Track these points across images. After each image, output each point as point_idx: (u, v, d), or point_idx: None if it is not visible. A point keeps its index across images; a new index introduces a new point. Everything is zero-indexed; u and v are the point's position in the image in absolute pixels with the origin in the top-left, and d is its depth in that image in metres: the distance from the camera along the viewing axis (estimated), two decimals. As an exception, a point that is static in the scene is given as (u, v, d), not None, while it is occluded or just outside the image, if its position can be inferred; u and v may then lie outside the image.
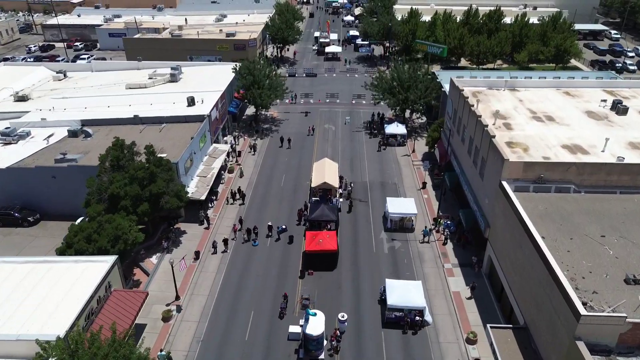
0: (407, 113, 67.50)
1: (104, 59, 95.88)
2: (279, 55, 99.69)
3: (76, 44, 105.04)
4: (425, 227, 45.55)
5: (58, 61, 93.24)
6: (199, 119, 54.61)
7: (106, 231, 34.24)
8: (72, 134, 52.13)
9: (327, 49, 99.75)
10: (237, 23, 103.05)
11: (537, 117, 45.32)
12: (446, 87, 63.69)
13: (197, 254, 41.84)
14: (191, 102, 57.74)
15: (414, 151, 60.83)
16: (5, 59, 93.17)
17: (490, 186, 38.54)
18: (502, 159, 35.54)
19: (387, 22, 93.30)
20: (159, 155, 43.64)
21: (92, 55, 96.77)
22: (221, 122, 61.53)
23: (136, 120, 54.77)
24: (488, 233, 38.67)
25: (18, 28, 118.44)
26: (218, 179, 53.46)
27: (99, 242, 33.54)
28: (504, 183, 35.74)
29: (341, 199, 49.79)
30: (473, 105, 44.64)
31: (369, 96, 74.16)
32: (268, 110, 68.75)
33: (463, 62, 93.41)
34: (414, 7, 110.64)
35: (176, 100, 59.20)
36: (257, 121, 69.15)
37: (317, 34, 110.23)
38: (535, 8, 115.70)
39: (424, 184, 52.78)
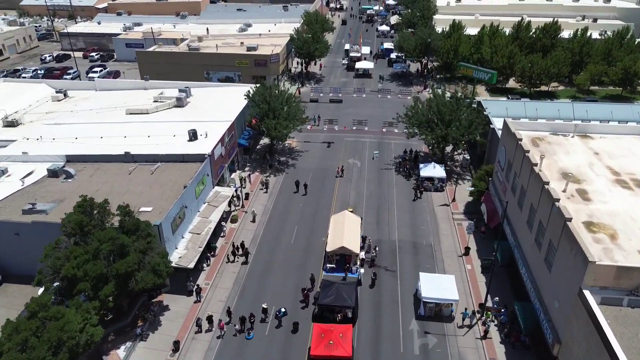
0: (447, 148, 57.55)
1: (118, 72, 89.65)
2: (304, 71, 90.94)
3: (92, 54, 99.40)
4: (466, 309, 35.87)
5: (69, 74, 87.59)
6: (198, 158, 46.40)
7: (48, 333, 26.19)
8: (52, 173, 44.85)
9: (358, 65, 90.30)
10: (260, 35, 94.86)
11: (622, 182, 34.73)
12: (495, 122, 53.38)
13: (176, 345, 33.37)
14: (193, 136, 49.62)
15: (454, 200, 50.79)
16: (12, 72, 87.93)
17: (563, 287, 28.42)
18: (585, 260, 25.49)
19: (426, 36, 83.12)
20: (137, 213, 35.60)
21: (105, 68, 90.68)
22: (228, 158, 53.19)
23: (127, 158, 47.04)
24: (557, 350, 28.56)
25: (37, 35, 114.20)
26: (218, 230, 45.15)
27: (35, 352, 25.48)
28: (586, 292, 25.68)
29: (362, 269, 40.43)
30: (536, 165, 34.51)
31: (402, 124, 64.64)
32: (285, 141, 60.04)
33: (512, 82, 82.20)
34: (456, 18, 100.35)
35: (178, 132, 51.18)
36: (272, 153, 60.52)
37: (347, 46, 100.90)
38: (595, 20, 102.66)
39: (467, 249, 42.78)
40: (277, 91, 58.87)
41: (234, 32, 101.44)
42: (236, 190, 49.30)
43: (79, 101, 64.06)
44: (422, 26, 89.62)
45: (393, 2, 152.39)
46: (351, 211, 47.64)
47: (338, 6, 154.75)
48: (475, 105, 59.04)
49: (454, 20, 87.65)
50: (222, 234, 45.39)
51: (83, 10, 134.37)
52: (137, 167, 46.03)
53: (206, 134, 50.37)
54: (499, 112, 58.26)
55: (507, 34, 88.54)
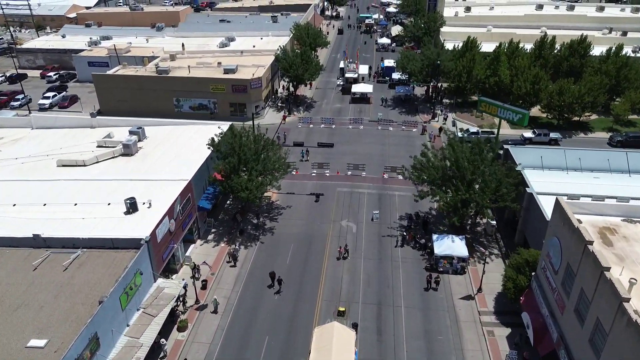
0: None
1: (76, 97, 77.10)
2: (292, 94, 78.42)
3: (50, 74, 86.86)
4: None
5: (17, 100, 75.07)
6: (133, 244, 33.96)
7: None
8: None
9: (355, 88, 77.73)
10: (242, 52, 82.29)
11: None
12: (532, 184, 40.92)
13: None
14: (131, 207, 37.16)
15: (480, 289, 38.30)
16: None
17: None
18: None
19: (435, 57, 70.58)
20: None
21: (62, 92, 78.20)
22: (182, 232, 40.65)
23: (37, 242, 34.63)
24: None
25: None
26: (157, 350, 32.64)
27: None
28: None
29: None
30: (626, 299, 22.02)
31: (408, 175, 52.43)
32: (258, 203, 47.41)
33: (535, 110, 69.73)
34: (466, 30, 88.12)
35: (114, 199, 38.74)
36: (245, 213, 48.00)
37: (342, 63, 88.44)
38: (625, 33, 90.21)
39: (506, 384, 30.33)
40: (250, 137, 46.29)
41: (214, 48, 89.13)
42: (185, 287, 36.63)
43: (6, 144, 51.62)
44: (429, 42, 77.19)
45: (394, 10, 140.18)
46: (342, 312, 35.37)
47: (334, 14, 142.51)
48: (500, 152, 46.68)
49: (468, 37, 75.19)
50: (161, 356, 32.80)
51: (53, 21, 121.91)
52: (48, 257, 33.55)
53: (150, 203, 37.92)
54: (532, 161, 45.95)
55: (526, 50, 76.12)
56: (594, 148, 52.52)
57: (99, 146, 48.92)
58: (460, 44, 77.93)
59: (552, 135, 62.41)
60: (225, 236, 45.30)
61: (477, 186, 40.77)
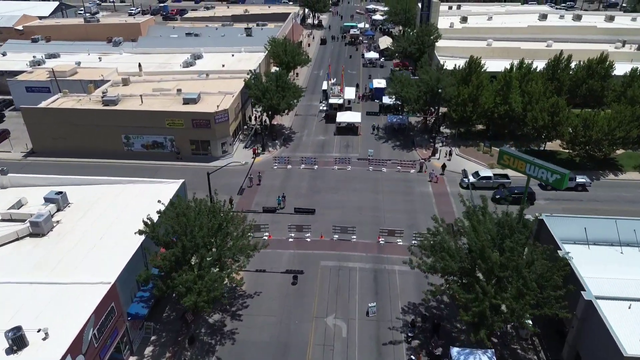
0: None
1: (7, 132, 64.52)
2: (267, 125, 66.67)
3: (-19, 101, 73.92)
4: None
5: None
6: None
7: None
8: None
9: (340, 117, 66.16)
10: (207, 75, 70.23)
11: None
12: (586, 280, 30.04)
13: None
14: (15, 344, 25.21)
15: None
16: None
17: None
18: None
19: (434, 83, 59.46)
20: None
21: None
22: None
23: None
24: None
25: None
26: None
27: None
28: None
29: None
30: None
31: (410, 230, 41.68)
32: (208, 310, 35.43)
33: (552, 144, 59.28)
34: (464, 45, 77.96)
35: (4, 318, 26.82)
36: (198, 312, 36.12)
37: (325, 84, 77.04)
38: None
39: None
40: (198, 207, 34.31)
41: (176, 68, 77.03)
42: None
43: None
44: (425, 64, 65.92)
45: (380, 18, 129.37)
46: None
47: (316, 22, 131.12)
48: (529, 218, 35.62)
49: (471, 57, 64.38)
50: None
51: (1, 34, 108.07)
52: None
53: (46, 333, 25.99)
54: (573, 233, 35.40)
55: (534, 68, 65.58)
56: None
57: (2, 220, 36.83)
58: (461, 63, 67.49)
59: (579, 179, 51.86)
60: (169, 347, 33.52)
61: (510, 286, 29.59)
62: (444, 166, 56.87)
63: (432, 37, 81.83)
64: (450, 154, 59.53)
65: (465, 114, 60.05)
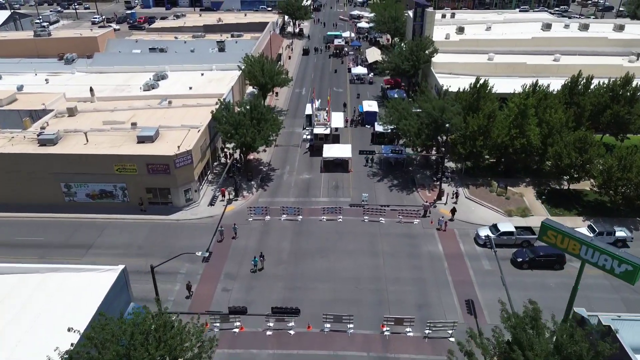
0: None
1: None
2: (240, 164, 56.41)
3: None
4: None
5: None
6: None
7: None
8: None
9: (327, 151, 56.12)
10: (169, 103, 59.68)
11: None
12: None
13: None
14: None
15: None
16: None
17: None
18: None
19: (438, 113, 49.87)
20: None
21: None
22: None
23: None
24: None
25: None
26: None
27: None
28: None
29: None
30: None
31: (422, 312, 32.23)
32: None
33: (579, 183, 50.44)
34: (465, 60, 69.14)
35: None
36: None
37: (309, 108, 67.12)
38: (659, 62, 72.69)
39: None
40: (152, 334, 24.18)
41: (136, 91, 66.33)
42: None
43: None
44: (425, 89, 56.19)
45: (365, 25, 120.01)
46: None
47: (297, 31, 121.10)
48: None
49: (477, 79, 55.19)
50: None
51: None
52: None
53: None
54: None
55: (550, 92, 56.76)
56: None
57: None
58: (462, 83, 58.47)
59: (619, 233, 42.93)
60: None
61: None
62: (453, 211, 47.64)
63: (427, 52, 72.56)
64: (457, 196, 50.23)
65: (474, 149, 50.81)
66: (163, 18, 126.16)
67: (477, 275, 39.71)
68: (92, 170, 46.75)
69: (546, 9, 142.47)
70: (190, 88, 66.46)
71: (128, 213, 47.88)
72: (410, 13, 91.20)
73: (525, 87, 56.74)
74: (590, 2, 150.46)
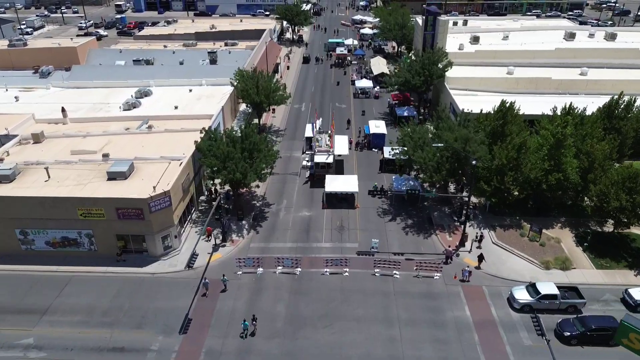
0: None
1: None
2: (229, 197, 48.96)
3: None
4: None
5: None
6: None
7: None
8: None
9: (330, 185, 48.44)
10: (150, 128, 52.19)
11: None
12: None
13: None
14: None
15: None
16: None
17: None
18: None
19: (461, 143, 42.26)
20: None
21: None
22: None
23: None
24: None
25: None
26: None
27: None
28: None
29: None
30: None
31: None
32: None
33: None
34: (482, 75, 62.34)
35: None
36: None
37: (309, 129, 59.79)
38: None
39: None
40: None
41: (115, 111, 59.00)
42: None
43: None
44: (445, 116, 48.22)
45: (370, 32, 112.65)
46: None
47: (296, 37, 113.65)
48: None
49: (502, 102, 47.81)
50: None
51: None
52: None
53: None
54: None
55: (587, 115, 49.39)
56: None
57: None
58: (481, 101, 51.34)
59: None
60: None
61: None
62: (480, 258, 40.40)
63: (441, 66, 65.16)
64: (481, 239, 42.88)
65: (502, 185, 43.43)
66: (154, 23, 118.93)
67: (516, 354, 32.33)
68: (51, 214, 39.34)
69: (559, 13, 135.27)
70: (176, 107, 59.12)
71: (96, 264, 40.46)
72: (419, 19, 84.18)
73: (555, 108, 49.54)
74: (604, 6, 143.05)
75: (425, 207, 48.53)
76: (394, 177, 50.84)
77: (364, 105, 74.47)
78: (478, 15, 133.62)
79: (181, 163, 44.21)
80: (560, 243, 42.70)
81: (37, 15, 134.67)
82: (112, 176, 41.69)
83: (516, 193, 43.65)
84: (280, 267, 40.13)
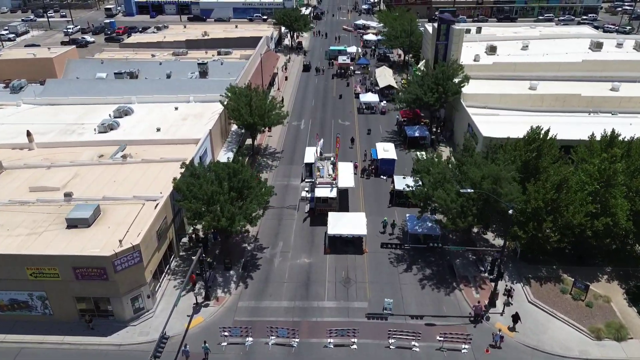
0: None
1: None
2: (215, 237, 41.94)
3: None
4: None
5: None
6: None
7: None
8: None
9: (335, 227, 41.20)
10: (124, 158, 45.03)
11: None
12: None
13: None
14: None
15: None
16: None
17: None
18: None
19: (489, 185, 35.21)
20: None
21: None
22: None
23: None
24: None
25: None
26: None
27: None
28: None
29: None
30: None
31: None
32: None
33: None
34: (502, 91, 55.72)
35: None
36: None
37: (309, 154, 52.76)
38: None
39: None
40: None
41: (89, 134, 52.00)
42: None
43: None
44: (472, 151, 40.92)
45: (374, 38, 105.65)
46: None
47: (294, 44, 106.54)
48: None
49: (531, 129, 40.88)
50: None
51: None
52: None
53: None
54: None
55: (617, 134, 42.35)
56: None
57: None
58: (505, 126, 44.55)
59: None
60: None
61: None
62: (515, 318, 33.49)
63: (457, 82, 58.15)
64: (511, 294, 35.88)
65: (539, 233, 36.38)
66: (145, 28, 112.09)
67: None
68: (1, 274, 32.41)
69: (573, 17, 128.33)
70: (158, 130, 52.17)
71: (51, 332, 33.41)
72: (429, 27, 77.38)
73: (593, 135, 42.67)
74: (620, 9, 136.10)
75: (444, 252, 41.42)
76: (407, 216, 43.68)
77: (369, 122, 67.49)
78: (487, 20, 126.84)
79: (157, 205, 37.15)
80: (610, 302, 35.70)
81: (22, 20, 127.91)
82: (73, 223, 34.69)
83: (555, 240, 36.57)
84: (273, 338, 33.09)
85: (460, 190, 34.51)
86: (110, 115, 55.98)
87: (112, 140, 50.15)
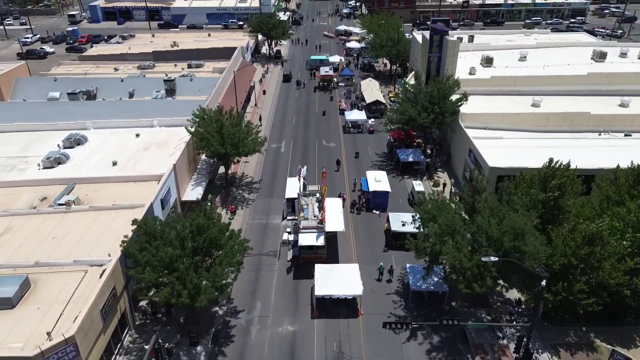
0: None
1: None
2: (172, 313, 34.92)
3: None
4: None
5: None
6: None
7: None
8: None
9: (322, 285, 34.45)
10: (67, 207, 37.37)
11: None
12: None
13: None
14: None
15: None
16: None
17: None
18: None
19: (510, 242, 28.97)
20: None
21: None
22: None
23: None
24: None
25: None
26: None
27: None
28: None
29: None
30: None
31: None
32: None
33: None
34: (501, 111, 50.24)
35: None
36: None
37: (291, 185, 46.03)
38: None
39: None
40: None
41: (32, 171, 44.23)
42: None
43: None
44: (486, 193, 34.50)
45: (357, 45, 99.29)
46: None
47: (272, 53, 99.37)
48: None
49: (550, 161, 34.98)
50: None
51: None
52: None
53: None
54: None
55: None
56: None
57: None
58: (503, 146, 38.60)
59: None
60: None
61: None
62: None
63: (454, 100, 51.99)
64: (536, 364, 29.81)
65: (570, 295, 30.29)
66: (110, 37, 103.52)
67: None
68: None
69: (560, 20, 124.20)
70: (115, 164, 44.73)
71: None
72: (417, 36, 71.46)
73: (619, 168, 37.01)
74: (607, 12, 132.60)
75: (454, 313, 35.12)
76: (408, 266, 37.19)
77: (356, 143, 61.00)
78: (473, 24, 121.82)
79: (104, 270, 29.94)
80: (655, 379, 29.90)
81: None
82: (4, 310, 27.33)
83: (589, 303, 30.54)
84: None
85: (482, 259, 28.02)
86: (59, 145, 48.31)
87: (59, 178, 42.43)
